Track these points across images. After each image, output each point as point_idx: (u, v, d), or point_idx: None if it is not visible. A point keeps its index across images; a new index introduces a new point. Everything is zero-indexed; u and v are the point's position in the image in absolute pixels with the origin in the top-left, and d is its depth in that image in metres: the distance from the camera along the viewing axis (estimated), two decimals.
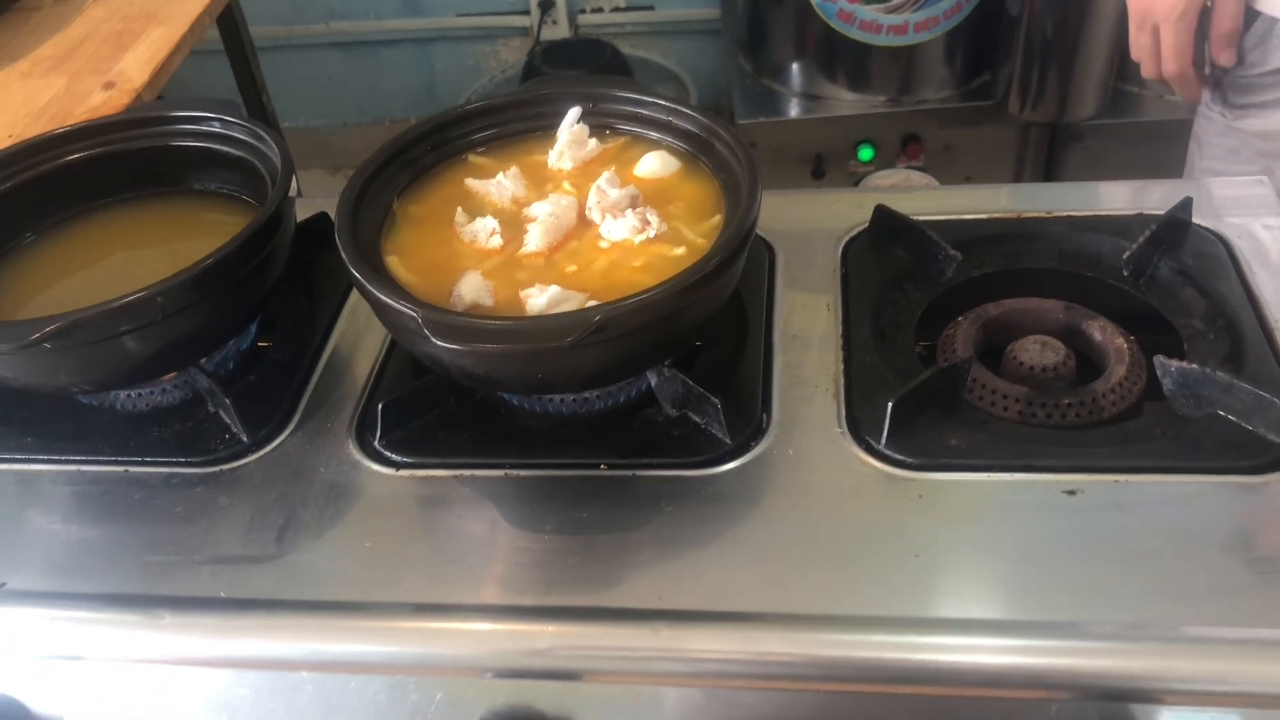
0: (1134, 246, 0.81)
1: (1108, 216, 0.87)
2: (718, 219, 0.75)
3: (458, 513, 0.70)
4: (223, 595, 0.66)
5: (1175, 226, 0.83)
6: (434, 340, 0.63)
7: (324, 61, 2.73)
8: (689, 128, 0.81)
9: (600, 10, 2.58)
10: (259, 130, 0.84)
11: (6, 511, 0.74)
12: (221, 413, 0.77)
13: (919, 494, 0.67)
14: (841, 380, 0.75)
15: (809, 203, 0.98)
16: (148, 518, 0.72)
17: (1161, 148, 1.62)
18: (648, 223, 0.75)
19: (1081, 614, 0.60)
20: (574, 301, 0.69)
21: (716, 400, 0.71)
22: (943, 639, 0.60)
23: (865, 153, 1.89)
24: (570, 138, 0.82)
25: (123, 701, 0.69)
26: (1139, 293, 0.81)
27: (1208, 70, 1.11)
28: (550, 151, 0.83)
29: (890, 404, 0.70)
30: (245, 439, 0.76)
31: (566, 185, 0.81)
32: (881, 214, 0.87)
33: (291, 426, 0.77)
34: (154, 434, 0.78)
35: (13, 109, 1.37)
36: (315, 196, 0.95)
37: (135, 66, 1.42)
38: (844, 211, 0.91)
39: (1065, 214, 0.88)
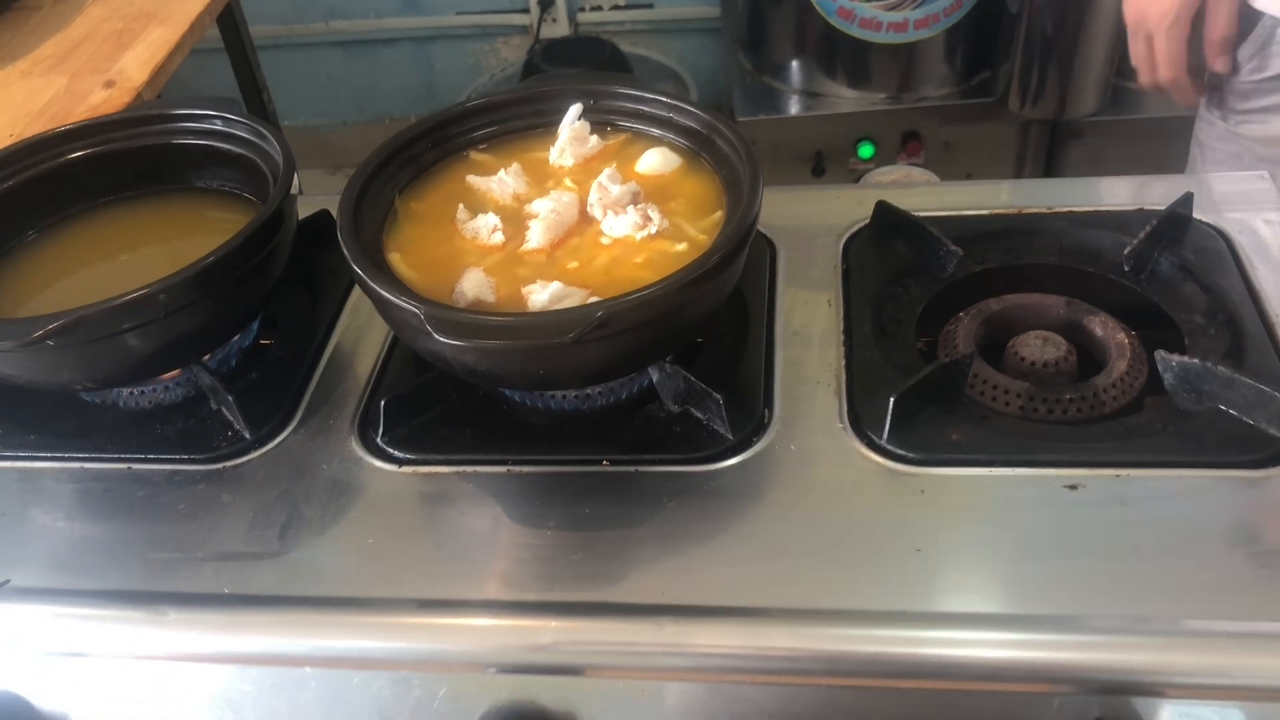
0: (1135, 242, 0.81)
1: (1109, 212, 0.87)
2: (719, 215, 0.75)
3: (460, 509, 0.70)
4: (226, 592, 0.66)
5: (1176, 222, 0.83)
6: (436, 336, 0.63)
7: (324, 60, 2.73)
8: (690, 124, 0.81)
9: (600, 8, 2.58)
10: (260, 128, 0.84)
11: (10, 509, 0.74)
12: (224, 410, 0.77)
13: (921, 489, 0.67)
14: (843, 376, 0.75)
15: (810, 199, 0.98)
16: (151, 515, 0.72)
17: (1162, 145, 1.61)
18: (649, 219, 0.75)
19: (1083, 608, 0.60)
20: (576, 297, 0.69)
21: (718, 396, 0.71)
22: (945, 633, 0.60)
23: (865, 150, 1.89)
24: (571, 134, 0.82)
25: (126, 698, 0.69)
26: (1140, 288, 0.81)
27: (1206, 76, 1.11)
28: (551, 148, 0.83)
29: (892, 399, 0.70)
30: (248, 436, 0.76)
31: (568, 182, 0.81)
32: (882, 210, 0.87)
33: (294, 423, 0.77)
34: (157, 431, 0.78)
35: (13, 108, 1.37)
36: (316, 195, 0.95)
37: (135, 65, 1.42)
38: (845, 208, 0.91)
39: (1066, 209, 0.88)
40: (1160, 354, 0.72)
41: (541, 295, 0.69)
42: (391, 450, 0.74)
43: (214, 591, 0.66)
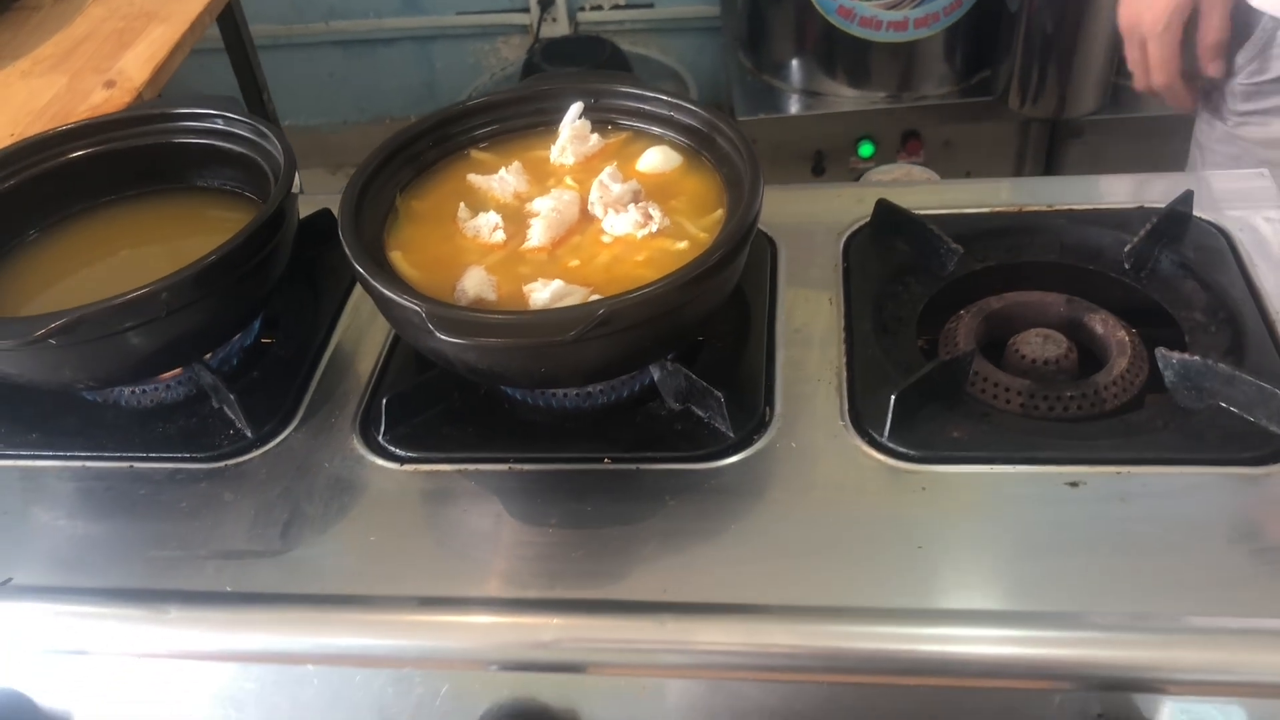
0: (1135, 240, 0.81)
1: (1109, 210, 0.87)
2: (720, 213, 0.75)
3: (462, 507, 0.70)
4: (228, 590, 0.66)
5: (1176, 220, 0.83)
6: (438, 335, 0.63)
7: (324, 60, 2.73)
8: (691, 122, 0.81)
9: (600, 8, 2.58)
10: (261, 127, 0.84)
11: (12, 507, 0.74)
12: (226, 408, 0.77)
13: (922, 486, 0.68)
14: (844, 374, 0.75)
15: (810, 198, 0.98)
16: (153, 513, 0.72)
17: (1162, 143, 1.62)
18: (650, 217, 0.75)
19: (1084, 605, 0.60)
20: (577, 296, 0.70)
21: (720, 394, 0.71)
22: (946, 630, 0.61)
23: (865, 149, 1.89)
24: (572, 133, 0.83)
25: (128, 696, 0.69)
26: (1140, 286, 0.81)
27: (1204, 80, 1.12)
28: (552, 147, 0.83)
29: (893, 397, 0.70)
30: (249, 434, 0.76)
31: (569, 180, 0.81)
32: (883, 208, 0.87)
33: (295, 422, 0.77)
34: (158, 430, 0.78)
35: (14, 108, 1.37)
36: (317, 194, 0.95)
37: (136, 65, 1.42)
38: (845, 206, 0.91)
39: (1066, 208, 0.88)
40: (1161, 351, 0.72)
41: (543, 293, 0.69)
42: (393, 448, 0.74)
43: (216, 589, 0.66)
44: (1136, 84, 1.12)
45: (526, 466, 0.72)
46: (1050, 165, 1.89)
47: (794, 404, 0.74)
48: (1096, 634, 0.59)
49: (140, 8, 1.56)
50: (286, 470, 0.74)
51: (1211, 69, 1.05)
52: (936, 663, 0.61)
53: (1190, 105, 1.11)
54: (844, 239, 0.88)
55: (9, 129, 1.31)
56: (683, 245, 0.74)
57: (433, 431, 0.75)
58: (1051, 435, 0.70)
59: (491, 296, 0.72)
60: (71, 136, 0.87)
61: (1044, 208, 0.88)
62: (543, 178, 0.82)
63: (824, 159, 1.92)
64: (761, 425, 0.72)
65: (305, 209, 0.90)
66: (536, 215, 0.77)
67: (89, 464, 0.76)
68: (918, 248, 0.85)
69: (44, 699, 0.70)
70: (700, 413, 0.73)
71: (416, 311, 0.65)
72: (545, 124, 0.85)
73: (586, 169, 0.81)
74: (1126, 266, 0.82)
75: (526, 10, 2.59)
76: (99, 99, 1.36)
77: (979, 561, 0.63)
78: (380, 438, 0.74)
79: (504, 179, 0.80)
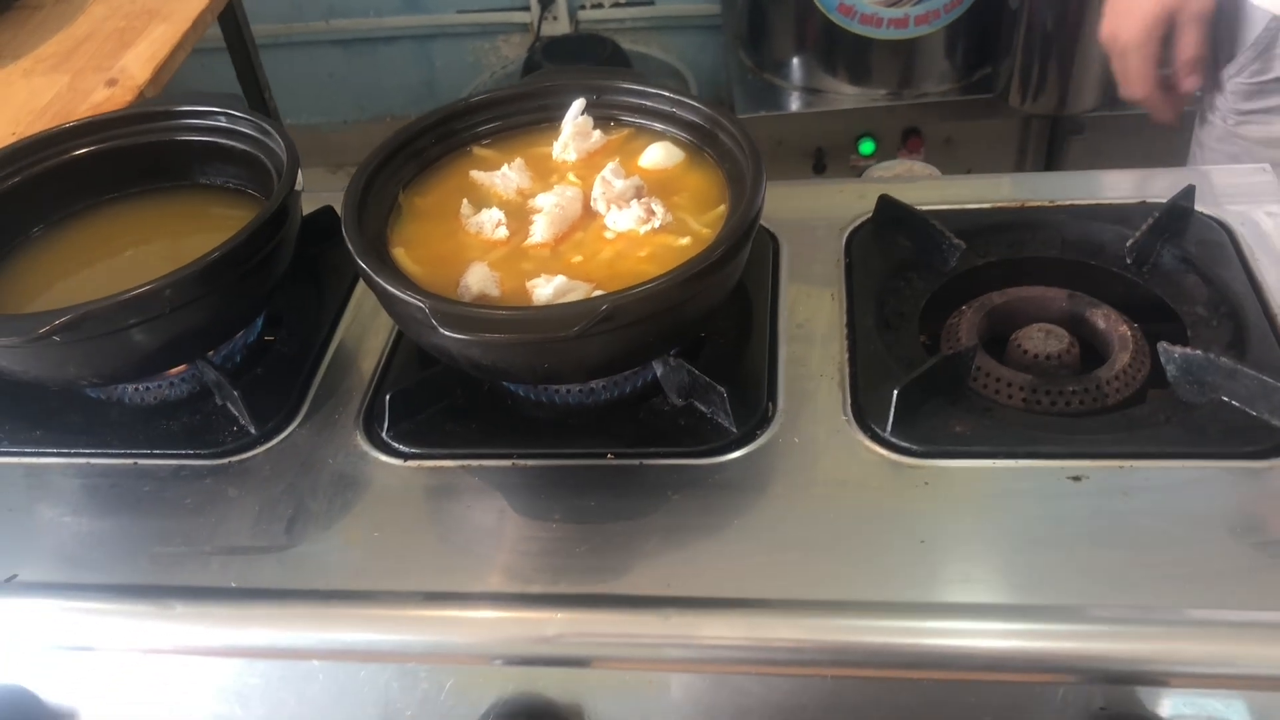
0: (1137, 234, 0.81)
1: (1110, 205, 0.87)
2: (722, 209, 0.76)
3: (465, 503, 0.71)
4: (233, 585, 0.66)
5: (1178, 214, 0.83)
6: (441, 330, 0.63)
7: (324, 59, 2.73)
8: (693, 118, 0.81)
9: (600, 6, 2.58)
10: (264, 124, 0.84)
11: (17, 504, 0.74)
12: (229, 405, 0.78)
13: (924, 481, 0.68)
14: (846, 369, 0.75)
15: (812, 194, 0.98)
16: (157, 510, 0.72)
17: (1162, 140, 1.61)
18: (652, 213, 0.75)
19: (1087, 598, 0.60)
20: (580, 291, 0.70)
21: (722, 389, 0.71)
22: (949, 624, 0.61)
23: (866, 146, 1.89)
24: (574, 129, 0.83)
25: (133, 692, 0.69)
26: (1142, 280, 0.81)
27: (1202, 82, 1.13)
28: (555, 143, 0.84)
29: (895, 392, 0.70)
30: (253, 431, 0.76)
31: (571, 176, 0.81)
32: (885, 204, 0.87)
33: (299, 418, 0.77)
34: (162, 427, 0.78)
35: (15, 107, 1.37)
36: (319, 191, 0.95)
37: (138, 64, 1.42)
38: (847, 202, 0.91)
39: (1068, 203, 0.88)
40: (1163, 346, 0.72)
41: (546, 289, 0.70)
42: (397, 444, 0.74)
43: (221, 585, 0.67)
44: (1121, 94, 1.14)
45: (530, 462, 0.72)
46: (1051, 162, 1.89)
47: (796, 399, 0.74)
48: (1099, 628, 0.59)
49: (142, 6, 1.56)
50: (290, 466, 0.74)
51: (1188, 84, 1.08)
52: (939, 657, 0.61)
53: (1169, 117, 1.13)
54: (846, 235, 0.88)
55: (10, 128, 1.31)
56: (685, 241, 0.74)
57: (436, 427, 0.75)
58: (1054, 430, 0.70)
59: (495, 292, 0.72)
60: (75, 134, 0.88)
61: (1046, 203, 0.88)
62: (545, 174, 0.82)
63: (825, 157, 1.92)
64: (764, 420, 0.72)
65: (307, 207, 0.90)
66: (539, 211, 0.77)
67: (93, 461, 0.76)
68: (920, 243, 0.85)
69: (49, 695, 0.70)
70: (703, 408, 0.73)
71: (420, 307, 0.65)
72: (548, 120, 0.85)
73: (589, 165, 0.82)
74: (1128, 261, 0.82)
75: (527, 9, 2.58)
76: (101, 98, 1.36)
77: (982, 556, 0.63)
78: (384, 434, 0.75)
79: (507, 175, 0.81)
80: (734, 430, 0.71)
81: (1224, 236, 0.83)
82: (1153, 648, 0.59)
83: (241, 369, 0.82)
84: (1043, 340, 0.76)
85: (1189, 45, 1.05)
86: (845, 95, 1.87)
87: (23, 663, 0.70)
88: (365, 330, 0.85)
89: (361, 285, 0.88)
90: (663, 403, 0.74)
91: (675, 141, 0.82)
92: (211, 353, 0.80)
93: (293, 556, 0.68)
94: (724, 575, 0.64)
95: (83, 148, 0.87)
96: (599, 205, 0.77)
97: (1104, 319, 0.78)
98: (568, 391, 0.76)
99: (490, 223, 0.77)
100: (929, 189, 0.93)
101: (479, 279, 0.72)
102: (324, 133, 2.79)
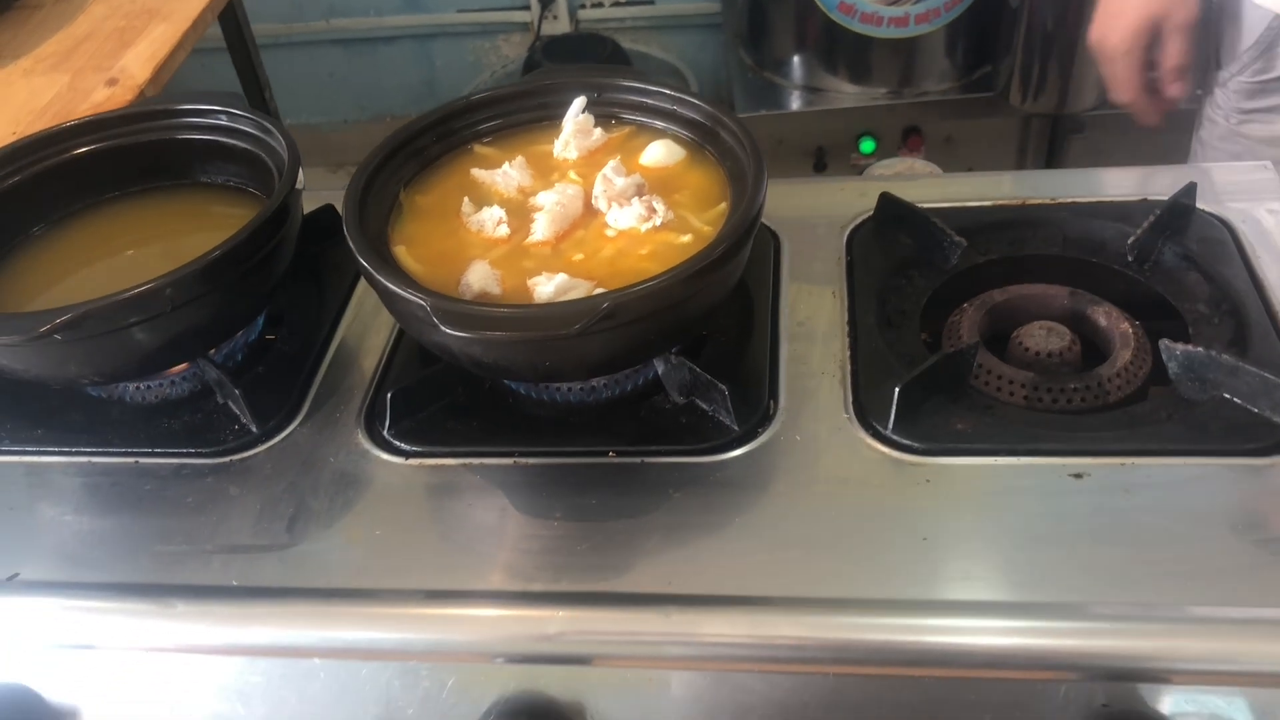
0: (1138, 232, 0.81)
1: (1112, 202, 0.87)
2: (723, 207, 0.76)
3: (467, 501, 0.71)
4: (234, 584, 0.66)
5: (1179, 212, 0.83)
6: (443, 328, 0.63)
7: (325, 58, 2.73)
8: (694, 116, 0.81)
9: (600, 5, 2.58)
10: (265, 123, 0.84)
11: (18, 503, 0.74)
12: (230, 404, 0.78)
13: (926, 478, 0.68)
14: (848, 367, 0.75)
15: (814, 191, 0.98)
16: (158, 508, 0.72)
17: (1163, 139, 1.61)
18: (654, 211, 0.75)
19: (1088, 595, 0.60)
20: (581, 289, 0.70)
21: (724, 387, 0.71)
22: (951, 621, 0.61)
23: (867, 145, 1.89)
24: (575, 127, 0.83)
25: (135, 690, 0.69)
26: (1144, 278, 0.81)
27: (1199, 81, 1.13)
28: (556, 141, 0.84)
29: (897, 390, 0.70)
30: (254, 429, 0.76)
31: (572, 174, 0.81)
32: (886, 201, 0.87)
33: (300, 417, 0.77)
34: (164, 425, 0.78)
35: (15, 107, 1.37)
36: (320, 190, 0.95)
37: (138, 63, 1.42)
38: (848, 200, 0.91)
39: (1069, 200, 0.88)
40: (1164, 343, 0.72)
41: (547, 287, 0.70)
42: (398, 443, 0.74)
43: (222, 584, 0.67)
44: (1110, 97, 1.15)
45: (531, 460, 0.72)
46: (1051, 161, 1.89)
47: (798, 397, 0.74)
48: (1101, 625, 0.59)
49: (142, 6, 1.56)
50: (291, 465, 0.74)
51: (1173, 90, 1.09)
52: (941, 654, 0.61)
53: (1153, 120, 1.13)
54: (847, 233, 0.88)
55: (10, 128, 1.31)
56: (686, 239, 0.74)
57: (437, 426, 0.75)
58: (1055, 427, 0.70)
59: (496, 290, 0.72)
60: (76, 133, 0.87)
61: (1047, 201, 0.88)
62: (546, 172, 0.82)
63: (825, 155, 1.92)
64: (766, 418, 0.72)
65: (307, 206, 0.90)
66: (540, 209, 0.77)
67: (94, 459, 0.76)
68: (921, 241, 0.85)
69: (50, 694, 0.70)
70: (704, 406, 0.73)
71: (421, 305, 0.65)
72: (548, 118, 0.85)
73: (590, 163, 0.81)
74: (1130, 259, 0.82)
75: (527, 8, 2.58)
76: (101, 97, 1.36)
77: (983, 553, 0.63)
78: (385, 432, 0.75)
79: (508, 173, 0.80)
80: (735, 428, 0.71)
81: (1225, 234, 0.83)
82: (1154, 645, 0.59)
83: (243, 367, 0.82)
84: (1044, 338, 0.76)
85: (1173, 54, 1.06)
86: (846, 94, 1.87)
87: (24, 661, 0.70)
88: (366, 329, 0.85)
89: (362, 284, 0.88)
90: (664, 401, 0.74)
91: (676, 139, 0.82)
92: (213, 351, 0.80)
93: (294, 555, 0.68)
94: (725, 573, 0.64)
95: (83, 147, 0.87)
96: (600, 203, 0.77)
97: (1105, 316, 0.78)
98: (569, 389, 0.76)
99: (491, 221, 0.77)
100: (930, 187, 0.93)
101: (480, 277, 0.72)
102: (324, 132, 2.79)
